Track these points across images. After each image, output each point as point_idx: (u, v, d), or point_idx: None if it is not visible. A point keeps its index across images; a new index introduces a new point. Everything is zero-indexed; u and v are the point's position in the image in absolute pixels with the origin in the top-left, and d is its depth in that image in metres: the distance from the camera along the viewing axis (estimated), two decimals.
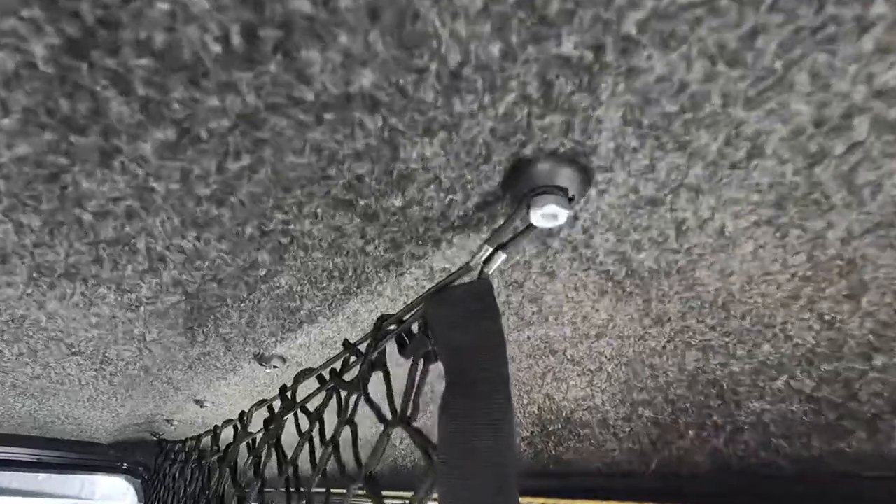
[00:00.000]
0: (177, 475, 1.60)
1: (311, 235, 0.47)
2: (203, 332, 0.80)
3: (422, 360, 0.52)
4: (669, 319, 0.61)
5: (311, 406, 0.77)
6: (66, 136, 0.29)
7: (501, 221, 0.44)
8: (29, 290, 0.55)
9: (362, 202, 0.41)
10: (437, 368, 0.51)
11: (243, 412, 1.09)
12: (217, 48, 0.24)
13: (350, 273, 0.57)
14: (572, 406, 0.85)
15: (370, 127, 0.32)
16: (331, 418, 0.66)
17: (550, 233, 0.46)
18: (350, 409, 0.63)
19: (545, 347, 0.76)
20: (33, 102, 0.27)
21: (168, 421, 1.53)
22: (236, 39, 0.23)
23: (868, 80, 0.28)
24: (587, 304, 0.61)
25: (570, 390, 0.83)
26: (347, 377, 0.66)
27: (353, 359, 0.67)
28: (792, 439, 0.59)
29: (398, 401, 0.52)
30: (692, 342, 0.63)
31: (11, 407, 1.35)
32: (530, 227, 0.40)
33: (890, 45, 0.26)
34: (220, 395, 1.24)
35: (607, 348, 0.71)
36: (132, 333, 0.71)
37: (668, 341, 0.65)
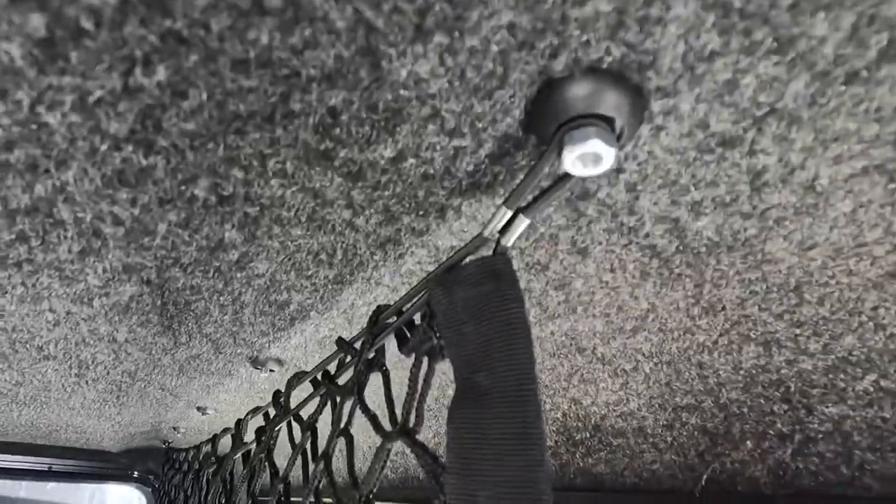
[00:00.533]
0: (181, 485, 1.54)
1: (284, 203, 0.37)
2: (185, 331, 0.71)
3: (426, 358, 0.42)
4: (724, 308, 0.51)
5: (305, 414, 0.68)
6: None
7: (522, 176, 0.34)
8: None
9: (342, 153, 0.32)
10: (447, 367, 0.41)
11: (239, 420, 1.00)
12: None
13: (339, 256, 0.48)
14: (603, 411, 0.74)
15: (338, 25, 0.23)
16: (327, 427, 0.56)
17: (586, 192, 0.36)
18: (345, 418, 0.54)
19: (571, 345, 0.66)
20: None
21: (174, 428, 1.47)
22: None
23: None
24: (624, 290, 0.51)
25: (600, 393, 0.72)
26: (342, 380, 0.56)
27: (349, 359, 0.58)
28: (883, 453, 0.48)
29: (400, 407, 0.42)
30: (752, 335, 0.52)
31: (10, 416, 1.30)
32: (565, 177, 0.30)
33: None
34: (220, 402, 1.16)
35: (645, 344, 0.61)
36: (98, 333, 0.63)
37: (721, 335, 0.54)
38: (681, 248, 0.42)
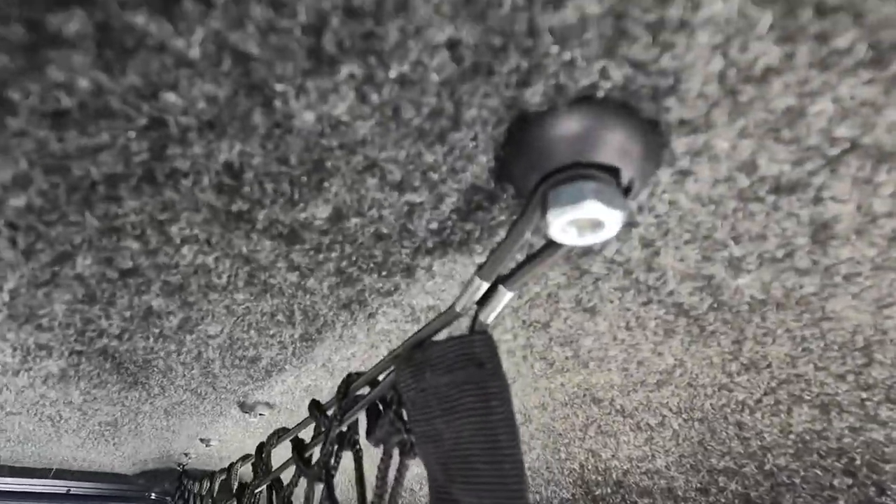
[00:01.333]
0: None
1: (210, 270, 0.30)
2: (156, 384, 0.64)
3: (396, 451, 0.34)
4: (769, 365, 0.41)
5: (285, 478, 0.60)
6: None
7: (502, 234, 0.26)
8: None
9: (260, 214, 0.24)
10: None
11: (232, 465, 0.93)
12: None
13: (299, 316, 0.40)
14: (625, 466, 0.65)
15: (190, 55, 0.15)
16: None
17: (589, 250, 0.28)
18: (316, 501, 0.46)
19: (585, 395, 0.57)
20: None
21: (185, 454, 1.43)
22: None
23: None
24: (645, 346, 0.42)
25: (620, 447, 0.63)
26: (317, 453, 0.49)
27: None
28: None
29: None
30: (805, 396, 0.43)
31: (15, 451, 1.27)
32: (551, 245, 0.22)
33: None
34: (223, 434, 1.10)
35: (672, 399, 0.51)
36: (48, 397, 0.56)
37: (766, 394, 0.45)
38: (715, 305, 0.33)
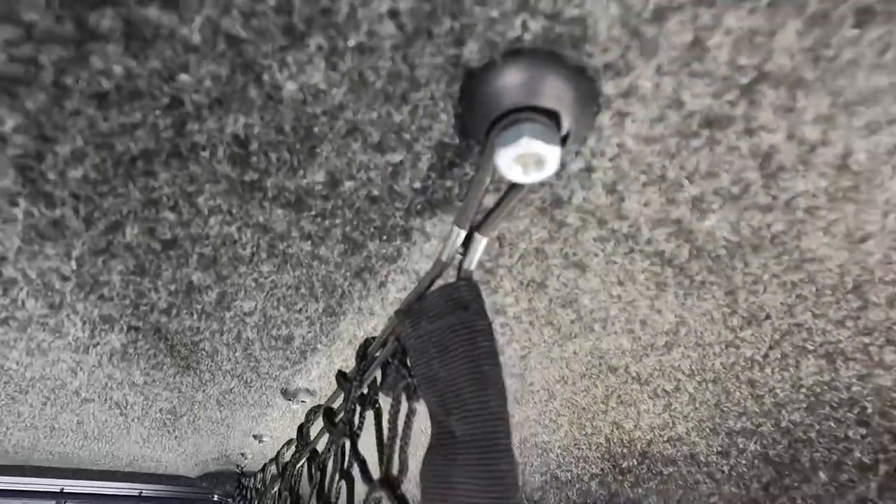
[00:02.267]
0: None
1: (235, 241, 0.35)
2: (206, 369, 0.71)
3: (404, 397, 0.38)
4: (768, 317, 0.42)
5: (320, 449, 0.65)
6: None
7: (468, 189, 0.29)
8: None
9: (268, 182, 0.29)
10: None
11: (279, 452, 1.00)
12: None
13: (320, 288, 0.45)
14: (648, 436, 0.66)
15: (194, 40, 0.20)
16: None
17: (559, 199, 0.31)
18: (347, 458, 0.50)
19: (600, 364, 0.59)
20: None
21: (242, 454, 1.52)
22: None
23: None
24: (642, 303, 0.44)
25: (642, 416, 0.64)
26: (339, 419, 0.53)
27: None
28: None
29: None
30: (809, 346, 0.43)
31: (93, 449, 1.39)
32: (511, 187, 0.25)
33: None
34: (273, 430, 1.17)
35: (684, 361, 0.53)
36: (115, 378, 0.63)
37: (772, 347, 0.46)
38: (694, 252, 0.35)
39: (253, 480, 1.46)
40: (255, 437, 1.25)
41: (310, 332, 0.57)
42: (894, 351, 0.40)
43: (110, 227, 0.29)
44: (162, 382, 0.70)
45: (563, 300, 0.45)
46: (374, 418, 0.45)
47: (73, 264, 0.32)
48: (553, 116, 0.23)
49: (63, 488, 1.80)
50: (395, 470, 0.37)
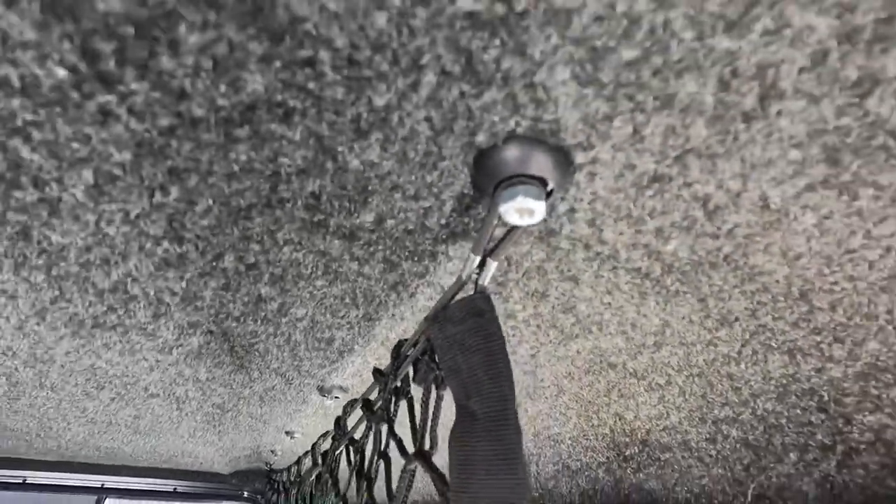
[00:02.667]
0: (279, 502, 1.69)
1: (300, 263, 0.45)
2: (256, 367, 0.82)
3: (433, 386, 0.47)
4: (737, 319, 0.51)
5: (357, 437, 0.75)
6: (7, 194, 0.30)
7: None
8: (80, 342, 0.59)
9: (332, 222, 0.39)
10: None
11: (314, 444, 1.10)
12: (62, 73, 0.23)
13: (361, 298, 0.55)
14: (647, 426, 0.74)
15: (294, 137, 0.29)
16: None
17: (552, 230, 0.40)
18: (383, 441, 0.60)
19: (601, 361, 0.67)
20: None
21: (272, 451, 1.62)
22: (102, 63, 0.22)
23: None
24: (630, 309, 0.52)
25: (640, 408, 0.72)
26: (376, 408, 0.63)
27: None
28: None
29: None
30: (773, 344, 0.51)
31: (137, 444, 1.51)
32: (511, 227, 0.34)
33: None
34: (304, 426, 1.27)
35: (672, 358, 0.61)
36: (184, 374, 0.74)
37: (744, 345, 0.54)
38: (666, 268, 0.44)
39: (287, 474, 1.56)
40: (287, 433, 1.35)
41: (349, 334, 0.67)
42: (841, 347, 0.47)
43: (215, 256, 0.39)
44: (220, 379, 0.81)
45: (563, 307, 0.54)
46: (408, 406, 0.54)
47: (183, 284, 0.42)
48: (540, 180, 0.32)
49: (104, 483, 1.93)
50: (427, 445, 0.46)
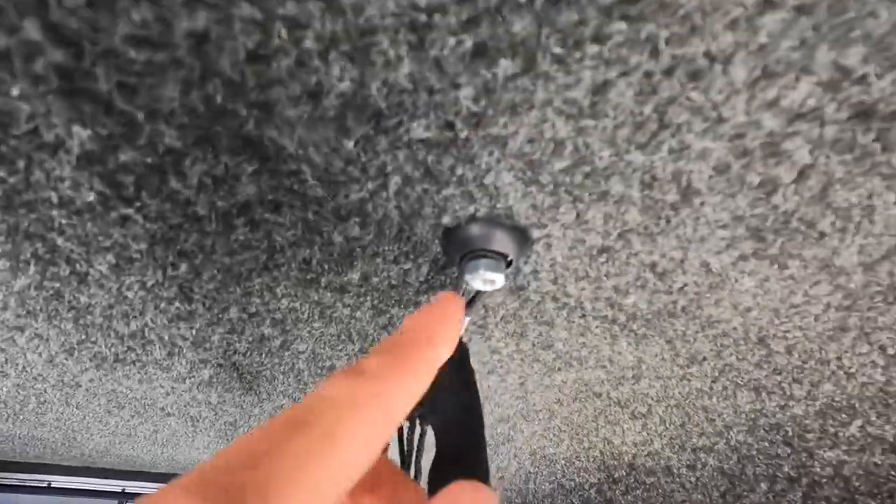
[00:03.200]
0: None
1: (297, 310, 0.49)
2: (264, 390, 0.87)
3: (417, 421, 0.52)
4: (705, 359, 0.54)
5: None
6: (45, 268, 0.35)
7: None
8: (103, 373, 0.65)
9: (323, 279, 0.43)
10: None
11: None
12: (91, 197, 0.28)
13: (356, 335, 0.59)
14: (633, 451, 0.77)
15: (284, 222, 0.34)
16: None
17: (522, 286, 0.44)
18: None
19: (587, 390, 0.71)
20: (8, 249, 0.33)
21: None
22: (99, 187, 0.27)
23: (770, 105, 0.24)
24: (604, 347, 0.56)
25: (626, 434, 0.76)
26: None
27: None
28: (882, 498, 0.48)
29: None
30: (740, 382, 0.55)
31: (157, 454, 1.58)
32: (477, 291, 0.39)
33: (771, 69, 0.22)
34: None
35: (651, 390, 0.64)
36: (197, 399, 0.80)
37: (714, 381, 0.57)
38: (630, 317, 0.48)
39: None
40: None
41: (347, 364, 0.71)
42: (800, 387, 0.51)
43: (221, 310, 0.44)
44: (231, 402, 0.86)
45: (542, 344, 0.58)
46: (398, 439, 0.59)
47: (193, 332, 0.47)
48: (500, 253, 0.36)
49: (125, 488, 2.00)
50: (411, 475, 0.50)
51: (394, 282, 0.44)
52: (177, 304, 0.41)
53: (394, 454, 0.57)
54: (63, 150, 0.23)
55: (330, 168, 0.29)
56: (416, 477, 0.51)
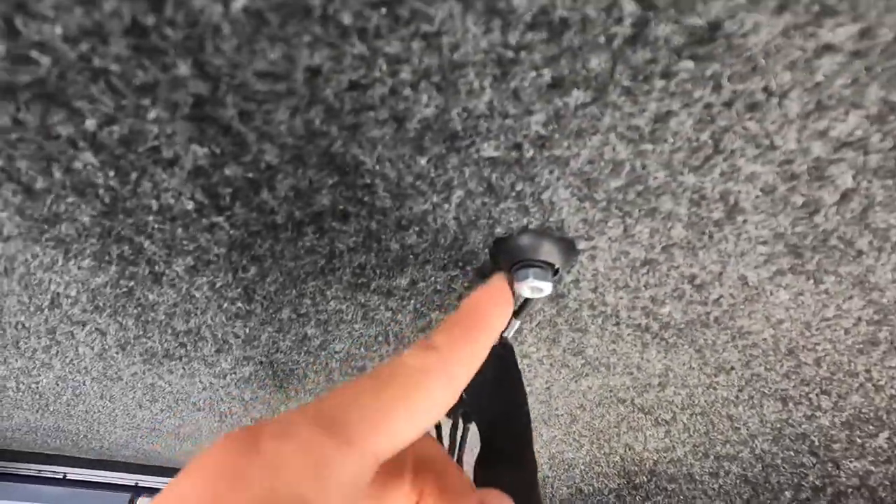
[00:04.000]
0: None
1: (342, 312, 0.52)
2: (293, 388, 0.90)
3: (460, 419, 0.54)
4: (733, 368, 0.56)
5: None
6: (125, 268, 0.38)
7: None
8: (148, 368, 0.68)
9: (373, 284, 0.46)
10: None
11: None
12: (190, 205, 0.31)
13: (393, 338, 0.62)
14: (654, 457, 0.79)
15: (349, 230, 0.37)
16: None
17: (561, 294, 0.46)
18: None
19: (611, 396, 0.73)
20: (96, 249, 0.36)
21: None
22: (199, 197, 0.30)
23: (820, 135, 0.26)
24: (634, 354, 0.58)
25: (648, 441, 0.77)
26: None
27: None
28: None
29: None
30: (766, 391, 0.56)
31: (175, 448, 1.62)
32: (525, 299, 0.41)
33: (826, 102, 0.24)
34: None
35: (676, 397, 0.66)
36: (231, 394, 0.83)
37: (740, 390, 0.59)
38: (663, 325, 0.50)
39: None
40: None
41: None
42: (827, 398, 0.52)
43: (275, 310, 0.47)
44: (261, 398, 0.89)
45: (572, 351, 0.60)
46: (436, 435, 0.61)
47: (246, 330, 0.50)
48: (549, 263, 0.38)
49: (138, 482, 2.04)
50: None
51: (439, 287, 0.46)
52: (238, 303, 0.44)
53: None
54: (177, 166, 0.26)
55: (401, 182, 0.31)
56: None
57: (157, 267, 0.38)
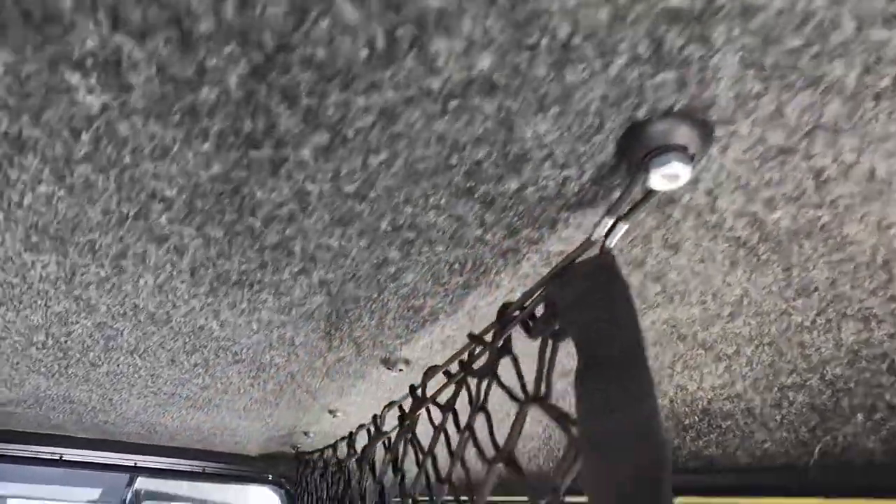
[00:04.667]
0: (318, 482, 1.74)
1: (435, 227, 0.51)
2: (339, 336, 0.88)
3: (550, 340, 0.53)
4: (817, 289, 0.56)
5: (441, 400, 0.81)
6: (246, 153, 0.36)
7: (618, 193, 0.44)
8: (209, 301, 0.66)
9: (481, 188, 0.44)
10: (566, 347, 0.51)
11: (376, 415, 1.16)
12: (364, 52, 0.29)
13: (469, 265, 0.61)
14: (709, 396, 0.79)
15: (488, 110, 0.35)
16: (462, 409, 0.69)
17: (672, 199, 0.46)
18: (482, 397, 0.66)
19: (672, 333, 0.73)
20: (224, 126, 0.34)
21: (305, 433, 1.67)
22: (380, 42, 0.28)
23: None
24: (717, 278, 0.58)
25: (704, 379, 0.78)
26: (475, 367, 0.69)
27: (477, 350, 0.70)
28: None
29: (529, 385, 0.53)
30: (848, 312, 0.57)
31: (185, 419, 1.58)
32: (651, 192, 0.40)
33: None
34: (349, 405, 1.33)
35: (744, 328, 0.66)
36: (284, 338, 0.81)
37: (818, 314, 0.59)
38: (763, 237, 0.49)
39: (332, 452, 1.60)
40: (330, 411, 1.41)
41: (440, 303, 0.73)
42: None
43: (378, 217, 0.45)
44: (309, 344, 0.88)
45: (654, 276, 0.59)
46: (513, 361, 0.60)
47: (343, 241, 0.48)
48: (684, 149, 0.38)
49: (136, 462, 2.02)
50: (542, 392, 0.52)
51: (546, 193, 0.45)
52: (349, 201, 0.42)
53: (506, 377, 0.59)
54: None
55: (570, 42, 0.30)
56: (546, 391, 0.53)
57: (283, 151, 0.36)
